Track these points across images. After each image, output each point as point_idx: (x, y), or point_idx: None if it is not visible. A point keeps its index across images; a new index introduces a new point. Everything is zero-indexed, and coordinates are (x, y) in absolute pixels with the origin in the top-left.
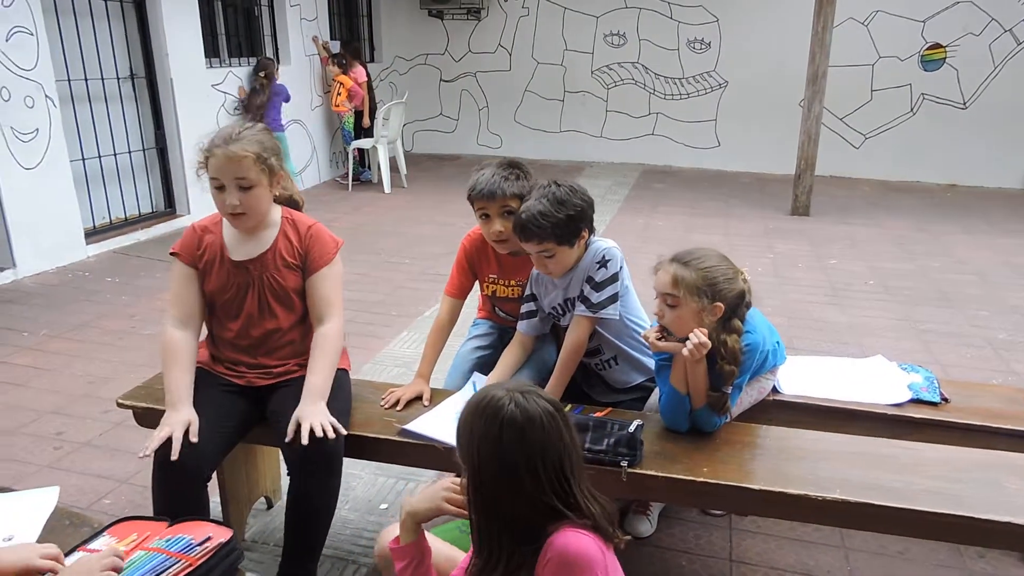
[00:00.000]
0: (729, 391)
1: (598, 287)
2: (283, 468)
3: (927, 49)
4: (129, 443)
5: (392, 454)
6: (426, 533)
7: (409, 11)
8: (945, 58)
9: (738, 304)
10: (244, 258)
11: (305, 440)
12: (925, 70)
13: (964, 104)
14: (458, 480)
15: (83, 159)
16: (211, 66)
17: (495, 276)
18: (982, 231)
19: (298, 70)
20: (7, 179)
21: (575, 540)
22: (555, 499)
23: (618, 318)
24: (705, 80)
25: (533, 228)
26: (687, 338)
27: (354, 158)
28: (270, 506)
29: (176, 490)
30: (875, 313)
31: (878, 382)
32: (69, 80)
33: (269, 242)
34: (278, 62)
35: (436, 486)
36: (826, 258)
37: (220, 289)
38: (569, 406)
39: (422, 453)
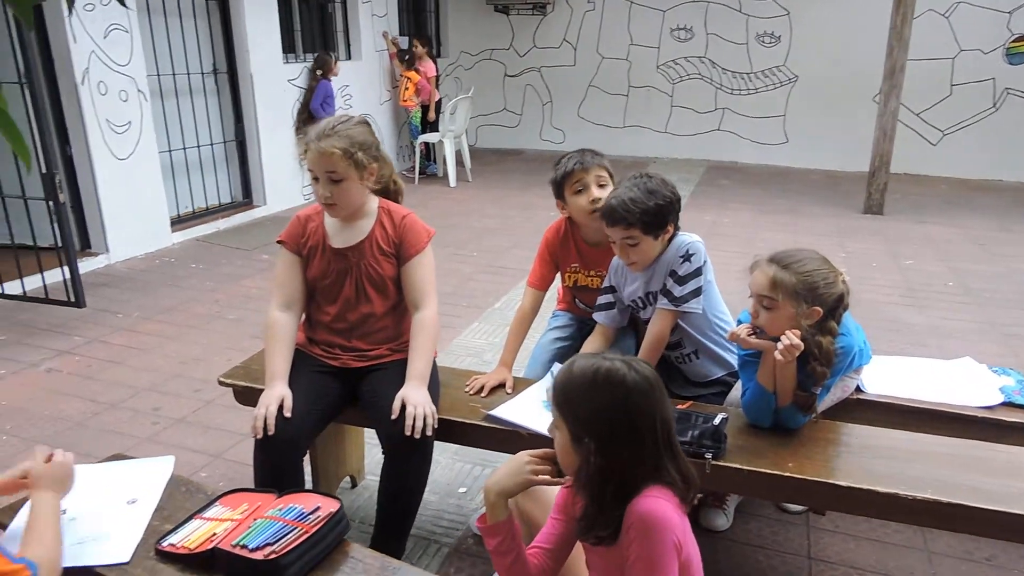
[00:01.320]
0: (818, 392)
1: (681, 281)
2: (367, 449)
3: (1013, 41)
4: (221, 421)
5: (478, 438)
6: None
7: (475, 6)
8: None
9: (836, 307)
10: (343, 246)
11: (408, 431)
12: (1010, 63)
13: None
14: (537, 452)
15: (169, 151)
16: (287, 61)
17: (576, 266)
18: None
19: (368, 65)
20: (102, 169)
21: (655, 504)
22: (665, 459)
23: (701, 312)
24: (774, 75)
25: (622, 212)
26: (779, 337)
27: (421, 152)
28: (354, 485)
29: (275, 463)
30: (956, 315)
31: (967, 384)
32: (159, 75)
33: (366, 231)
34: (348, 57)
35: (517, 462)
36: (902, 258)
37: (321, 275)
38: None
39: (507, 439)
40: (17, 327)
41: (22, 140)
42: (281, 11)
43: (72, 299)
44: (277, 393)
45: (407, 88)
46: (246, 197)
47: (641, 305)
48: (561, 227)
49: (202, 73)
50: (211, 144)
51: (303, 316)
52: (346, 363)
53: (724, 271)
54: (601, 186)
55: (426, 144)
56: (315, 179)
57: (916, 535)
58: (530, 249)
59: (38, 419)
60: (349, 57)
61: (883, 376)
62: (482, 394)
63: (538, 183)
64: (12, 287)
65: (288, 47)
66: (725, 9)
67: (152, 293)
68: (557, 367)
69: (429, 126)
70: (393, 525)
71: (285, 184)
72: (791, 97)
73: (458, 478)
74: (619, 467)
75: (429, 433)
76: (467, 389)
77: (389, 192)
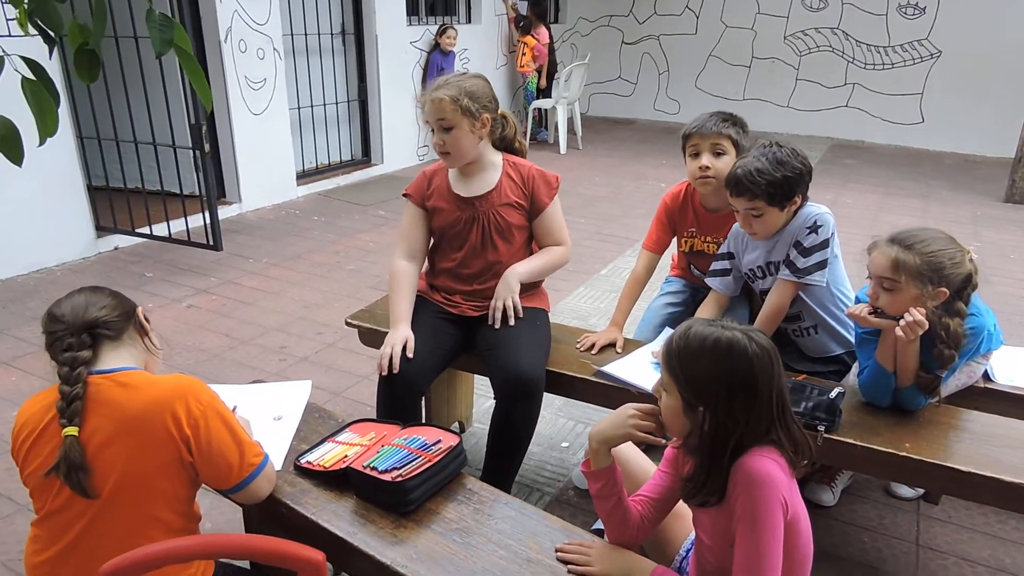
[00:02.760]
0: (943, 375)
1: (806, 252)
2: (476, 398)
3: None
4: (341, 363)
5: (588, 393)
6: (623, 448)
7: None
8: None
9: (964, 287)
10: (470, 195)
11: (489, 321)
12: None
13: None
14: (642, 407)
15: (298, 107)
16: (411, 24)
17: (694, 231)
18: None
19: (487, 29)
20: (239, 123)
21: (761, 463)
22: (778, 423)
23: (824, 286)
24: (914, 49)
25: (747, 183)
26: (899, 317)
27: (533, 118)
28: (462, 430)
29: (397, 400)
30: None
31: None
32: (292, 34)
33: (494, 183)
34: (468, 20)
35: (620, 414)
36: None
37: (448, 224)
38: None
39: (615, 395)
40: (162, 265)
41: (206, 84)
42: None
43: (211, 243)
44: (401, 335)
45: (524, 54)
46: (365, 155)
47: (760, 275)
48: (681, 191)
49: (331, 33)
50: (336, 103)
51: (425, 263)
52: (464, 311)
53: (842, 252)
54: (718, 154)
55: (538, 110)
56: (432, 130)
57: None
58: (639, 218)
59: (181, 349)
60: (469, 20)
61: (1014, 367)
62: (593, 351)
63: (650, 153)
64: (159, 229)
65: (412, 10)
66: None
67: (279, 241)
68: (668, 331)
69: (541, 92)
70: (500, 468)
71: (402, 144)
72: (931, 74)
73: (560, 432)
74: (731, 434)
75: (511, 322)
76: (578, 346)
77: (514, 152)
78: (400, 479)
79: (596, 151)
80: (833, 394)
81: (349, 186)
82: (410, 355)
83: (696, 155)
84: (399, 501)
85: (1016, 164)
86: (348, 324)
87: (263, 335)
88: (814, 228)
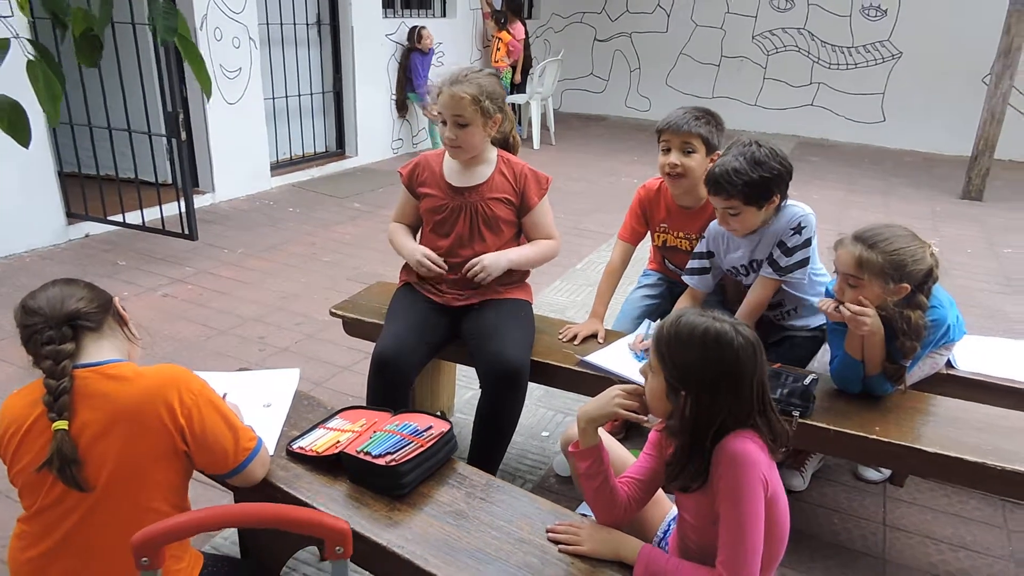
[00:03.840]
0: (907, 364)
1: (789, 252)
2: (457, 388)
3: None
4: (321, 353)
5: (571, 382)
6: (603, 436)
7: None
8: None
9: (925, 281)
10: (461, 184)
11: (464, 271)
12: None
13: None
14: (627, 387)
15: (273, 98)
16: (386, 16)
17: (665, 226)
18: None
19: (462, 23)
20: (214, 112)
21: (742, 443)
22: (757, 412)
23: (805, 281)
24: (876, 50)
25: (723, 183)
26: None
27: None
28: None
29: (388, 388)
30: None
31: None
32: (267, 23)
33: (486, 176)
34: (443, 14)
35: (607, 395)
36: (1000, 246)
37: (435, 208)
38: None
39: (598, 384)
40: (135, 254)
41: (205, 70)
42: None
43: (186, 232)
44: (421, 248)
45: (498, 49)
46: (339, 147)
47: (743, 272)
48: (656, 185)
49: (307, 24)
50: (310, 94)
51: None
52: (449, 301)
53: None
54: (687, 152)
55: (512, 105)
56: (443, 122)
57: (996, 512)
58: (612, 213)
59: (158, 338)
60: (444, 14)
61: (976, 355)
62: (575, 342)
63: (622, 149)
64: (132, 218)
65: (387, 3)
66: None
67: (254, 232)
68: (648, 322)
69: (515, 88)
70: (486, 455)
71: (376, 137)
72: (892, 74)
73: (541, 423)
74: (712, 419)
75: (480, 279)
76: (560, 336)
77: (508, 145)
78: (394, 463)
79: (569, 147)
80: (807, 381)
81: (323, 178)
82: (439, 264)
83: (667, 151)
84: (393, 484)
85: (972, 162)
86: (332, 314)
87: (241, 325)
88: (798, 229)
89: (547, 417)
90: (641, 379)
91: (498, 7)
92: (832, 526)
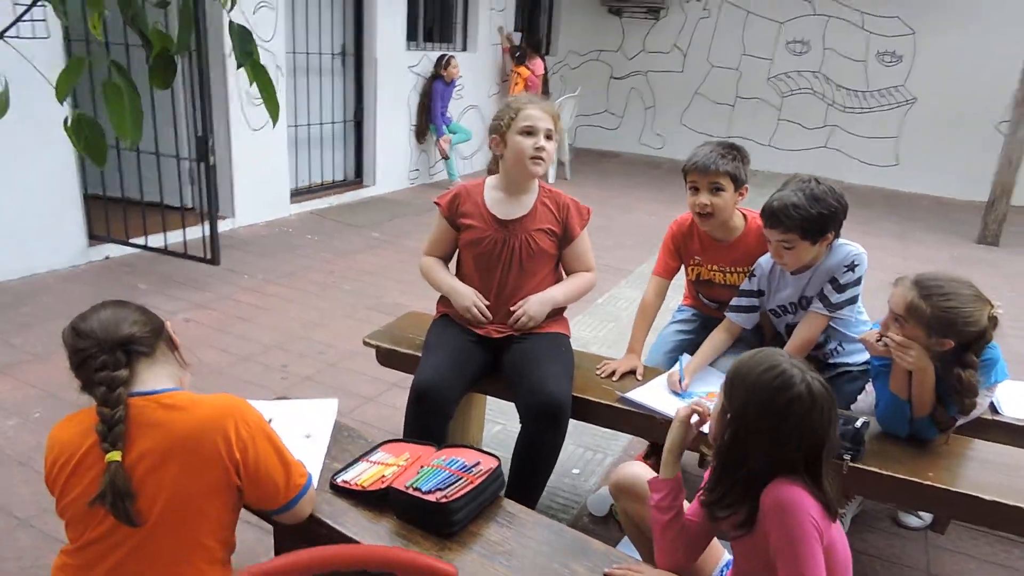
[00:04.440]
0: (960, 418)
1: (841, 289)
2: (486, 423)
3: None
4: (344, 383)
5: (611, 419)
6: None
7: (589, 7)
8: None
9: (975, 340)
10: (506, 217)
11: (510, 321)
12: None
13: None
14: (699, 404)
15: (296, 126)
16: (409, 48)
17: (699, 259)
18: None
19: (482, 58)
20: (238, 138)
21: (787, 489)
22: (805, 470)
23: (852, 319)
24: (891, 95)
25: (782, 216)
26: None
27: None
28: None
29: (427, 421)
30: None
31: None
32: (294, 52)
33: (529, 206)
34: (464, 48)
35: (676, 418)
36: (1020, 291)
37: (479, 240)
38: None
39: (639, 421)
40: (156, 277)
41: (274, 94)
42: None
43: (209, 256)
44: (470, 292)
45: (516, 84)
46: (357, 176)
47: (791, 310)
48: (688, 219)
49: (332, 54)
50: (332, 123)
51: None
52: (489, 333)
53: None
54: (716, 191)
55: None
56: (529, 133)
57: None
58: (630, 248)
59: None
60: (465, 48)
61: (1017, 400)
62: (614, 378)
63: (637, 186)
64: (154, 240)
65: (411, 35)
66: (846, 24)
67: (273, 258)
68: (686, 357)
69: None
70: (524, 492)
71: (394, 167)
72: (907, 119)
73: (571, 460)
74: (745, 454)
75: (521, 327)
76: (598, 372)
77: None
78: (445, 500)
79: (584, 182)
80: (859, 423)
81: (341, 206)
82: (486, 315)
83: (695, 190)
84: (444, 522)
85: (989, 207)
86: (367, 344)
87: (263, 352)
88: (851, 267)
89: (576, 454)
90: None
91: (517, 43)
92: (876, 574)
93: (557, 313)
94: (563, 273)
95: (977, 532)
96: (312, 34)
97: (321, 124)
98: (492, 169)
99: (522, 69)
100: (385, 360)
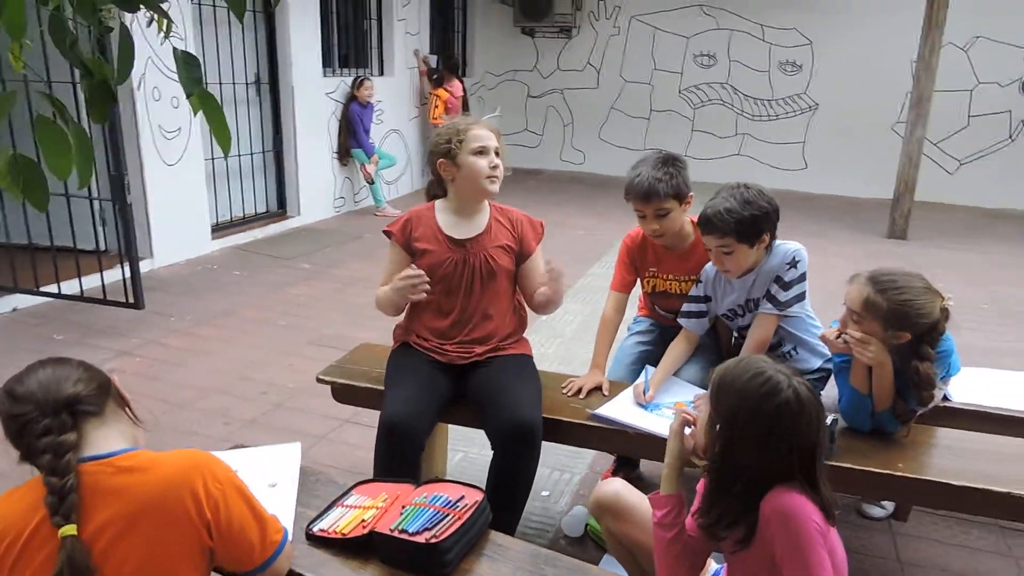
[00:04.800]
0: (919, 410)
1: (787, 286)
2: (450, 448)
3: None
4: (293, 424)
5: (584, 438)
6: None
7: (502, 28)
8: None
9: (928, 332)
10: (461, 236)
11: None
12: None
13: None
14: (687, 413)
15: (212, 158)
16: (326, 75)
17: (654, 271)
18: None
19: (399, 81)
20: (152, 174)
21: (788, 497)
22: (800, 475)
23: (803, 316)
24: (795, 102)
25: (717, 223)
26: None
27: None
28: None
29: (398, 456)
30: (1002, 336)
31: None
32: (206, 83)
33: (483, 225)
34: (380, 72)
35: (672, 428)
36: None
37: (438, 264)
38: None
39: (613, 437)
40: (73, 327)
41: (225, 124)
42: (321, 26)
43: (131, 300)
44: (400, 276)
45: (436, 106)
46: (280, 207)
47: (740, 313)
48: (639, 232)
49: (246, 83)
50: (251, 154)
51: (404, 314)
52: (453, 360)
53: None
54: (661, 215)
55: None
56: (482, 153)
57: (999, 541)
58: (568, 266)
59: None
60: (382, 73)
61: (965, 386)
62: (580, 395)
63: (564, 202)
64: (68, 287)
65: (326, 61)
66: (748, 37)
67: (200, 298)
68: (650, 369)
69: None
70: (502, 520)
71: (318, 196)
72: (811, 124)
73: (540, 482)
74: (737, 464)
75: (557, 277)
76: (564, 391)
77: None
78: (435, 540)
79: (511, 200)
80: (828, 421)
81: (266, 239)
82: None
83: (642, 217)
84: (435, 563)
85: (895, 204)
86: (321, 381)
87: (201, 398)
88: (793, 263)
89: (543, 475)
90: (653, 428)
91: (434, 65)
92: (850, 568)
93: (519, 334)
94: (520, 295)
95: (937, 516)
96: (224, 63)
97: (239, 156)
98: (435, 194)
99: (441, 91)
100: (342, 397)
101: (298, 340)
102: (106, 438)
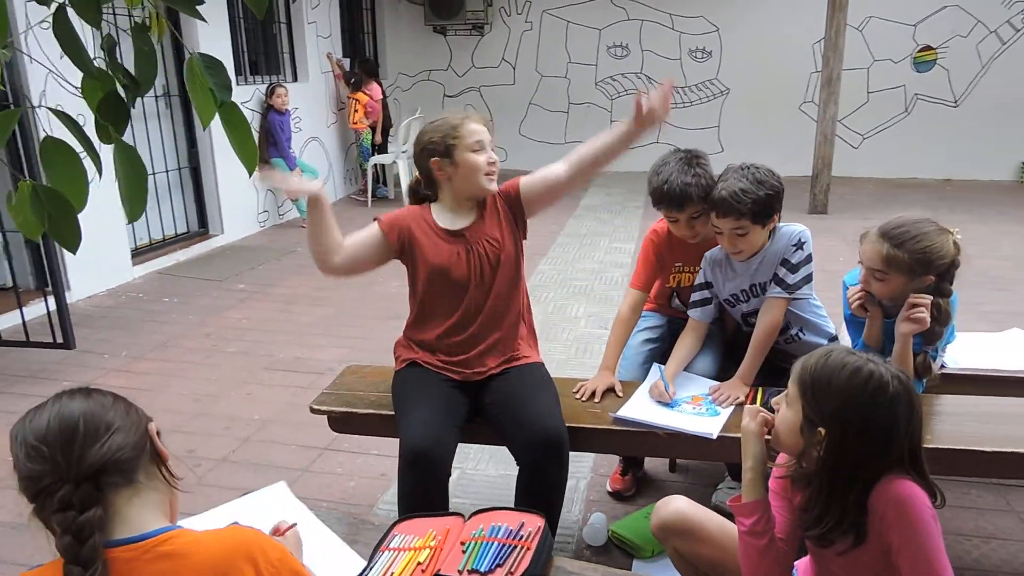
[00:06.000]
0: (930, 351)
1: (794, 268)
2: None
3: (919, 51)
4: (265, 457)
5: (610, 443)
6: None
7: (412, 28)
8: (936, 59)
9: (948, 270)
10: (457, 227)
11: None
12: (917, 71)
13: (955, 102)
14: (761, 413)
15: None
16: (238, 83)
17: (680, 265)
18: (996, 219)
19: (315, 87)
20: None
21: (902, 486)
22: (910, 466)
23: (811, 297)
24: (707, 88)
25: (733, 204)
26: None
27: (372, 174)
28: None
29: (427, 485)
30: None
31: None
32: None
33: (475, 215)
34: (294, 79)
35: (747, 432)
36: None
37: (439, 256)
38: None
39: (637, 439)
40: None
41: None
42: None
43: (60, 340)
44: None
45: (356, 111)
46: (201, 226)
47: (743, 298)
48: (663, 227)
49: (154, 96)
50: (166, 171)
51: (412, 316)
52: (467, 377)
53: None
54: (694, 217)
55: (377, 166)
56: (479, 148)
57: (999, 497)
58: None
59: None
60: (296, 79)
61: (959, 352)
62: (596, 399)
63: None
64: None
65: (237, 69)
66: (658, 26)
67: (131, 330)
68: (657, 367)
69: (377, 148)
70: None
71: (241, 212)
72: (724, 109)
73: None
74: (852, 463)
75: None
76: (577, 396)
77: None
78: None
79: None
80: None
81: (190, 261)
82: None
83: (675, 221)
84: None
85: (814, 180)
86: (315, 411)
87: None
88: (799, 245)
89: None
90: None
91: (348, 68)
92: None
93: (528, 339)
94: (527, 298)
95: (935, 479)
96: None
97: (154, 174)
98: (424, 196)
99: (360, 95)
100: (341, 426)
101: (252, 367)
102: (140, 512)
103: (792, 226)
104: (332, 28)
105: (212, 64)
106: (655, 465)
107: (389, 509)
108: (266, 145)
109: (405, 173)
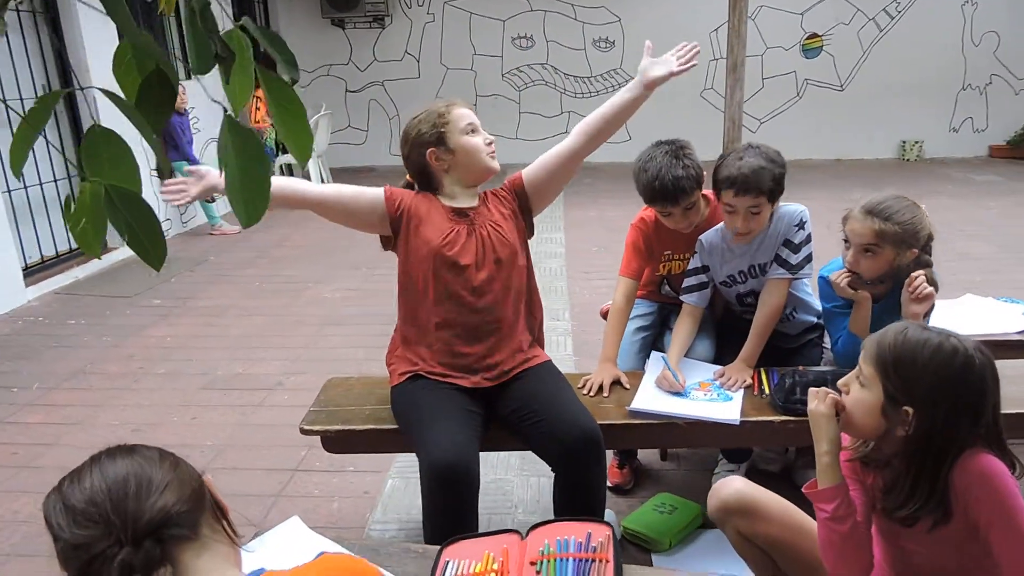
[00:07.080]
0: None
1: (797, 248)
2: None
3: (806, 39)
4: (231, 487)
5: (631, 438)
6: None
7: (308, 20)
8: (822, 46)
9: (928, 242)
10: (462, 206)
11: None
12: (806, 58)
13: (841, 87)
14: (829, 395)
15: (9, 191)
16: None
17: (670, 253)
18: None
19: (210, 84)
20: None
21: (985, 460)
22: (993, 438)
23: (810, 275)
24: (611, 77)
25: (755, 181)
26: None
27: (282, 175)
28: None
29: (459, 503)
30: None
31: (989, 316)
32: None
33: (477, 198)
34: (187, 76)
35: (818, 417)
36: None
37: (440, 233)
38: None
39: (657, 431)
40: None
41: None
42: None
43: None
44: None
45: (258, 108)
46: None
47: (740, 279)
48: (651, 215)
49: (35, 98)
50: (55, 180)
51: (404, 311)
52: (478, 383)
53: None
54: (688, 208)
55: (285, 166)
56: (473, 131)
57: None
58: None
59: None
60: (188, 76)
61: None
62: (604, 393)
63: None
64: None
65: None
66: (561, 17)
67: (38, 359)
68: (658, 356)
69: (281, 148)
70: None
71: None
72: None
73: (544, 496)
74: (943, 440)
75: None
76: (584, 391)
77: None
78: None
79: None
80: (831, 376)
81: (92, 278)
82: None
83: (668, 215)
84: None
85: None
86: (306, 432)
87: None
88: (801, 224)
89: (543, 486)
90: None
91: None
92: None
93: (534, 340)
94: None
95: None
96: (6, 74)
97: (41, 184)
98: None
99: (260, 92)
100: (338, 445)
101: (187, 388)
102: (213, 566)
103: (792, 205)
104: (224, 22)
105: (275, 39)
106: (645, 456)
107: (383, 529)
108: (166, 149)
109: (315, 172)
